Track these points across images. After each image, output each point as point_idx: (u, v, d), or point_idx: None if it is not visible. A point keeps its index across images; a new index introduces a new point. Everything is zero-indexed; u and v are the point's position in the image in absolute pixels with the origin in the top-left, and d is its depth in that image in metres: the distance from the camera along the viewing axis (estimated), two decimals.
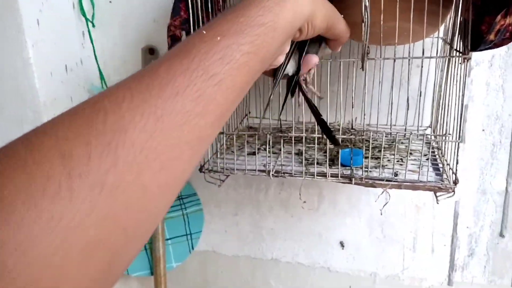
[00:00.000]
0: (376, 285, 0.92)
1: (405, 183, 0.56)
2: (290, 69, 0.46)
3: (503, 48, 0.73)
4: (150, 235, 0.27)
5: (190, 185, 0.97)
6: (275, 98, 0.67)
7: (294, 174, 0.60)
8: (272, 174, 0.60)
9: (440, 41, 0.68)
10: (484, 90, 0.76)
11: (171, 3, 0.65)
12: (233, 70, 0.28)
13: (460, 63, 0.54)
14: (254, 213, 0.96)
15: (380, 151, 0.64)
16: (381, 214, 0.86)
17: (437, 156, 0.64)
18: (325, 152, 0.65)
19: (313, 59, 0.46)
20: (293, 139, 0.63)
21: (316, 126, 0.59)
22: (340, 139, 0.62)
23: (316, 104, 0.51)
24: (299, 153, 0.67)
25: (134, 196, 0.23)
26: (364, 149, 0.62)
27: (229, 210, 0.98)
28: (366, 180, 0.57)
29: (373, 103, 0.70)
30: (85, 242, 0.21)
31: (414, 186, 0.56)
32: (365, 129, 0.58)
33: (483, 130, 0.78)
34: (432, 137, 0.68)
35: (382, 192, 0.58)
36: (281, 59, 0.40)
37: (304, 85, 0.49)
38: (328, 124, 0.51)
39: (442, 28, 0.65)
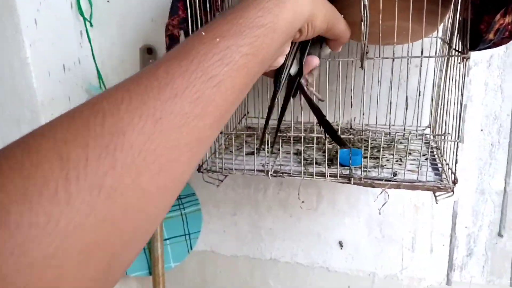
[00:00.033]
0: (375, 285, 0.92)
1: (404, 183, 0.56)
2: (292, 70, 0.46)
3: (502, 48, 0.73)
4: (150, 237, 0.27)
5: (189, 185, 0.97)
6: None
7: (293, 174, 0.60)
8: (271, 174, 0.60)
9: (439, 40, 0.68)
10: (483, 90, 0.76)
11: (169, 3, 0.65)
12: (232, 72, 0.28)
13: (459, 63, 0.54)
14: (253, 213, 0.96)
15: (379, 151, 0.64)
16: (380, 214, 0.86)
17: (436, 156, 0.64)
18: (324, 152, 0.65)
19: (314, 60, 0.46)
20: (291, 139, 0.63)
21: (315, 126, 0.59)
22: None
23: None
24: (297, 153, 0.67)
25: (132, 198, 0.23)
26: (363, 149, 0.62)
27: (227, 210, 0.98)
28: (365, 180, 0.57)
29: (372, 102, 0.69)
30: (83, 244, 0.20)
31: (413, 186, 0.56)
32: (364, 129, 0.57)
33: (482, 130, 0.78)
34: (431, 137, 0.68)
35: (381, 192, 0.57)
36: (281, 60, 0.40)
37: (305, 87, 0.49)
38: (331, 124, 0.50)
39: (441, 28, 0.65)
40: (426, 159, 0.63)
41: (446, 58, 0.60)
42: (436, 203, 0.56)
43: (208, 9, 0.56)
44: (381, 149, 0.59)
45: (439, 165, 0.61)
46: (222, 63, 0.27)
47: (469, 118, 0.78)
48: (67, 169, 0.20)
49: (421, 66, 0.55)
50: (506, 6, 0.46)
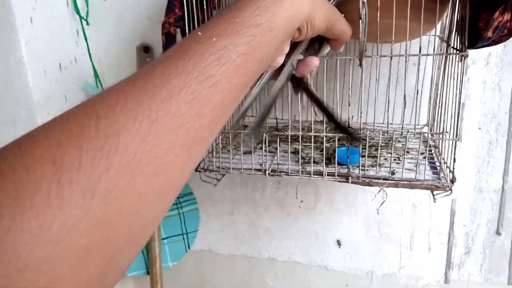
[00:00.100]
0: (373, 284, 0.92)
1: (402, 182, 0.56)
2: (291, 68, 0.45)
3: (500, 46, 0.73)
4: (147, 240, 0.26)
5: (186, 184, 0.97)
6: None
7: (291, 173, 0.59)
8: (268, 173, 0.60)
9: (437, 38, 0.68)
10: (481, 88, 0.76)
11: (166, 1, 0.64)
12: (229, 71, 0.27)
13: (457, 61, 0.53)
14: (251, 212, 0.96)
15: (377, 149, 0.63)
16: (378, 213, 0.85)
17: (434, 155, 0.64)
18: (322, 150, 0.65)
19: (314, 61, 0.45)
20: (289, 137, 0.63)
21: (313, 125, 0.58)
22: (337, 138, 0.62)
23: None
24: (295, 152, 0.67)
25: (127, 201, 0.22)
26: (360, 148, 0.62)
27: (225, 209, 0.97)
28: (363, 179, 0.57)
29: (370, 101, 0.69)
30: (77, 249, 0.20)
31: (411, 184, 0.56)
32: (361, 127, 0.57)
33: (480, 128, 0.78)
34: (429, 136, 0.68)
35: (379, 191, 0.57)
36: (281, 60, 0.40)
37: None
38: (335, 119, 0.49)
39: (439, 26, 0.65)
40: (424, 157, 0.62)
41: (444, 56, 0.60)
42: (434, 201, 0.56)
43: (204, 7, 0.55)
44: (379, 147, 0.59)
45: (437, 163, 0.60)
46: (219, 63, 0.27)
47: (467, 116, 0.78)
48: (60, 172, 0.20)
49: (419, 64, 0.54)
50: (505, 4, 0.46)
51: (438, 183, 0.55)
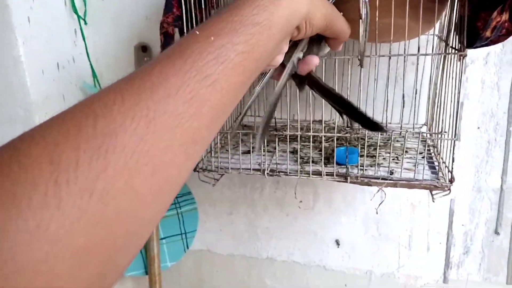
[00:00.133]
0: (371, 283, 0.92)
1: (400, 182, 0.56)
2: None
3: (498, 46, 0.73)
4: (146, 240, 0.26)
5: (185, 183, 0.96)
6: (270, 97, 0.67)
7: (289, 173, 0.59)
8: (267, 173, 0.60)
9: (436, 38, 0.68)
10: (479, 87, 0.76)
11: (164, 0, 0.64)
12: (227, 70, 0.27)
13: (456, 60, 0.53)
14: (249, 212, 0.95)
15: (375, 149, 0.63)
16: (377, 213, 0.85)
17: (432, 154, 0.64)
18: (320, 150, 0.65)
19: (314, 60, 0.45)
20: (288, 137, 0.63)
21: (311, 124, 0.58)
22: (335, 137, 0.62)
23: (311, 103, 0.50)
24: (294, 152, 0.67)
25: (125, 201, 0.22)
26: (359, 148, 0.62)
27: (224, 209, 0.97)
28: (362, 178, 0.57)
29: (369, 100, 0.69)
30: (75, 249, 0.20)
31: (409, 184, 0.56)
32: (360, 127, 0.57)
33: (478, 127, 0.78)
34: (428, 135, 0.68)
35: (378, 191, 0.57)
36: (280, 58, 0.39)
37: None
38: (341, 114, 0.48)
39: (437, 25, 0.65)
40: (423, 157, 0.62)
41: (443, 56, 0.60)
42: (433, 201, 0.56)
43: (203, 6, 0.55)
44: (378, 147, 0.59)
45: (436, 163, 0.60)
46: (217, 61, 0.27)
47: (466, 115, 0.78)
48: (57, 172, 0.20)
49: (417, 63, 0.54)
50: (503, 3, 0.46)
51: (437, 183, 0.55)
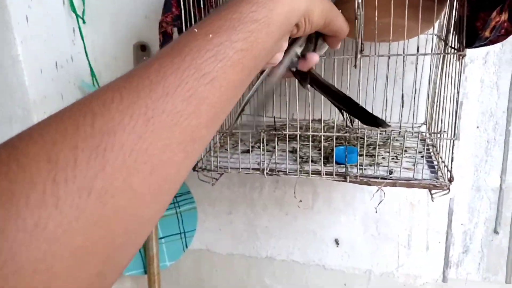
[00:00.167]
0: (371, 283, 0.92)
1: (400, 181, 0.56)
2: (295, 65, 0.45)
3: (498, 45, 0.73)
4: (144, 240, 0.26)
5: (184, 183, 0.96)
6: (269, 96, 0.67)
7: (289, 172, 0.59)
8: (266, 173, 0.60)
9: (435, 37, 0.68)
10: (479, 87, 0.76)
11: None
12: (226, 68, 0.27)
13: (455, 60, 0.53)
14: (249, 212, 0.95)
15: (374, 148, 0.63)
16: (376, 212, 0.85)
17: (432, 154, 0.64)
18: (320, 149, 0.65)
19: (314, 57, 0.45)
20: (287, 137, 0.63)
21: (310, 124, 0.58)
22: (334, 137, 0.62)
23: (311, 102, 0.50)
24: (293, 151, 0.67)
25: (124, 200, 0.22)
26: (358, 147, 0.62)
27: (223, 209, 0.97)
28: (361, 178, 0.56)
29: (368, 100, 0.69)
30: (73, 248, 0.20)
31: (409, 184, 0.56)
32: (359, 126, 0.57)
33: (478, 127, 0.78)
34: (427, 135, 0.68)
35: (377, 190, 0.57)
36: (279, 56, 0.39)
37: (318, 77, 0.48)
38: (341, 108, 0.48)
39: (436, 24, 0.65)
40: (422, 156, 0.62)
41: (442, 55, 0.60)
42: (432, 201, 0.56)
43: (202, 6, 0.55)
44: (377, 146, 0.59)
45: (435, 162, 0.60)
46: (216, 59, 0.27)
47: (465, 115, 0.78)
48: (55, 171, 0.20)
49: (417, 63, 0.54)
50: (502, 3, 0.46)
51: (436, 182, 0.55)
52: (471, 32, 0.50)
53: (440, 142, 0.61)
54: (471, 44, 0.51)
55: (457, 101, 0.53)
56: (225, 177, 0.93)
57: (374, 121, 0.47)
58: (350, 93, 0.56)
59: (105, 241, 0.22)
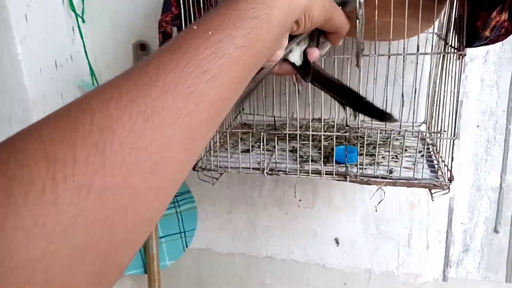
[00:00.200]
0: (371, 282, 0.92)
1: (400, 180, 0.56)
2: (298, 59, 0.44)
3: (498, 44, 0.73)
4: (145, 239, 0.26)
5: (184, 182, 0.96)
6: (269, 95, 0.67)
7: (289, 171, 0.59)
8: (267, 172, 0.60)
9: (435, 36, 0.68)
10: (479, 86, 0.76)
11: None
12: (226, 65, 0.27)
13: (455, 59, 0.53)
14: (249, 211, 0.95)
15: (374, 148, 0.63)
16: (376, 211, 0.85)
17: (432, 153, 0.64)
18: (320, 149, 0.65)
19: (315, 52, 0.45)
20: (287, 136, 0.63)
21: (310, 123, 0.58)
22: (334, 136, 0.62)
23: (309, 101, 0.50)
24: (293, 151, 0.67)
25: (124, 199, 0.22)
26: (358, 146, 0.61)
27: (223, 208, 0.97)
28: (361, 177, 0.56)
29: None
30: (73, 247, 0.20)
31: (409, 183, 0.55)
32: (359, 126, 0.57)
33: (478, 126, 0.78)
34: (427, 134, 0.68)
35: (377, 190, 0.57)
36: (280, 53, 0.39)
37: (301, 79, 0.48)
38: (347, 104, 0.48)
39: (436, 23, 0.64)
40: (422, 156, 0.62)
41: (442, 55, 0.59)
42: (432, 200, 0.56)
43: (201, 5, 0.55)
44: (377, 146, 0.59)
45: (435, 162, 0.60)
46: (216, 56, 0.27)
47: (465, 114, 0.78)
48: (54, 169, 0.20)
49: (417, 62, 0.54)
50: (503, 3, 0.46)
51: (436, 181, 0.55)
52: (471, 32, 0.50)
53: (440, 141, 0.61)
54: (471, 43, 0.51)
55: (457, 100, 0.53)
56: (225, 177, 0.92)
57: (380, 115, 0.46)
58: None
59: (105, 240, 0.21)
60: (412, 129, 0.67)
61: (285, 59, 0.43)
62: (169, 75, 0.25)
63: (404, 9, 0.48)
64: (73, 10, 0.85)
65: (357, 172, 0.57)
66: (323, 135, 0.62)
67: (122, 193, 0.22)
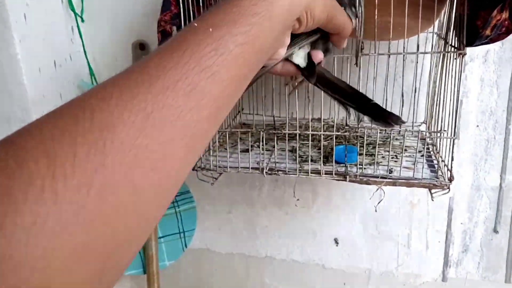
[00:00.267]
0: (370, 282, 0.92)
1: (399, 180, 0.55)
2: (302, 61, 0.44)
3: (498, 43, 0.73)
4: (146, 238, 0.26)
5: (183, 182, 0.96)
6: (269, 94, 0.66)
7: (288, 171, 0.59)
8: (266, 172, 0.60)
9: (435, 36, 0.68)
10: (479, 85, 0.76)
11: None
12: (227, 62, 0.27)
13: (455, 59, 0.53)
14: (248, 211, 0.95)
15: (374, 147, 0.63)
16: (376, 211, 0.85)
17: (431, 153, 0.64)
18: (319, 149, 0.65)
19: (319, 55, 0.45)
20: (286, 136, 0.62)
21: (310, 123, 0.58)
22: (334, 136, 0.62)
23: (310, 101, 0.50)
24: (293, 150, 0.67)
25: (124, 197, 0.22)
26: (358, 146, 0.61)
27: (222, 208, 0.97)
28: (361, 177, 0.56)
29: None
30: (73, 245, 0.20)
31: (408, 183, 0.55)
32: (359, 125, 0.57)
33: (477, 125, 0.78)
34: (427, 134, 0.68)
35: (377, 189, 0.57)
36: (282, 52, 0.39)
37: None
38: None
39: (436, 23, 0.64)
40: (422, 155, 0.62)
41: (442, 54, 0.59)
42: (432, 200, 0.56)
43: (200, 4, 0.55)
44: (377, 146, 0.59)
45: (435, 162, 0.60)
46: (216, 53, 0.26)
47: (465, 113, 0.78)
48: (54, 166, 0.19)
49: (416, 62, 0.54)
50: (503, 2, 0.46)
51: (436, 181, 0.55)
52: (472, 31, 0.50)
53: (440, 141, 0.60)
54: (471, 43, 0.51)
55: (457, 100, 0.53)
56: (224, 176, 0.92)
57: (386, 118, 0.46)
58: None
59: (105, 238, 0.21)
60: (412, 128, 0.67)
61: (287, 60, 0.43)
62: (170, 72, 0.24)
63: (404, 9, 0.48)
64: (72, 9, 0.85)
65: (356, 172, 0.57)
66: (323, 134, 0.62)
67: (123, 191, 0.22)
